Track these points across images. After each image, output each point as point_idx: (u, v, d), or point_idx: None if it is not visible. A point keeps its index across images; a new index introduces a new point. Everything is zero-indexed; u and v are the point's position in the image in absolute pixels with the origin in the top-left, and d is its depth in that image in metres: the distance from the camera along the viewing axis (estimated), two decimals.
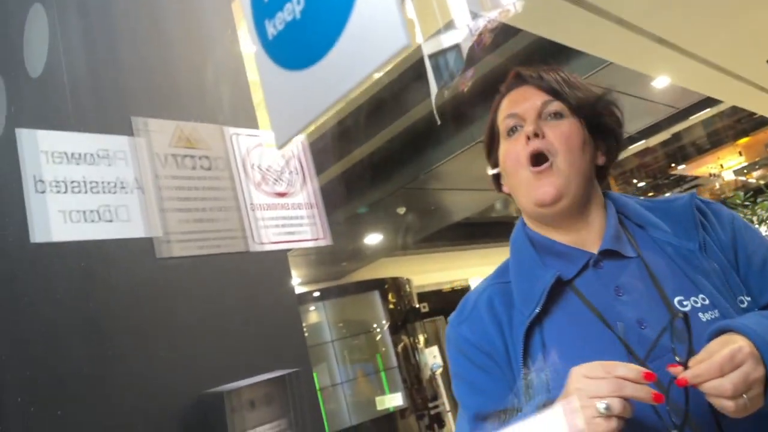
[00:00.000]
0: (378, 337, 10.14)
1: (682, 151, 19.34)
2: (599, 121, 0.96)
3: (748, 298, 0.78)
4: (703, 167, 19.66)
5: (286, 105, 0.62)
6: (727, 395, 0.65)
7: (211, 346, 1.28)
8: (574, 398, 0.64)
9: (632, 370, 0.66)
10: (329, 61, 0.56)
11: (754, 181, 18.43)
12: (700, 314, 0.76)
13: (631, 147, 18.67)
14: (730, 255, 0.83)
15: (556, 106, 0.95)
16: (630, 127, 10.24)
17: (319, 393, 8.83)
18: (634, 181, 20.87)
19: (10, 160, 1.05)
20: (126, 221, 1.16)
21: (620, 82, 7.66)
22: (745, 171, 19.02)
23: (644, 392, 0.65)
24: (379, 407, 9.06)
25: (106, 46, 1.32)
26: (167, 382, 1.19)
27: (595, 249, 0.90)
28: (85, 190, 1.14)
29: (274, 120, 0.66)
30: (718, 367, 0.65)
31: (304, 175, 1.52)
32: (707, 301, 0.77)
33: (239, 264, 1.35)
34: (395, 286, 10.87)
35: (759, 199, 14.37)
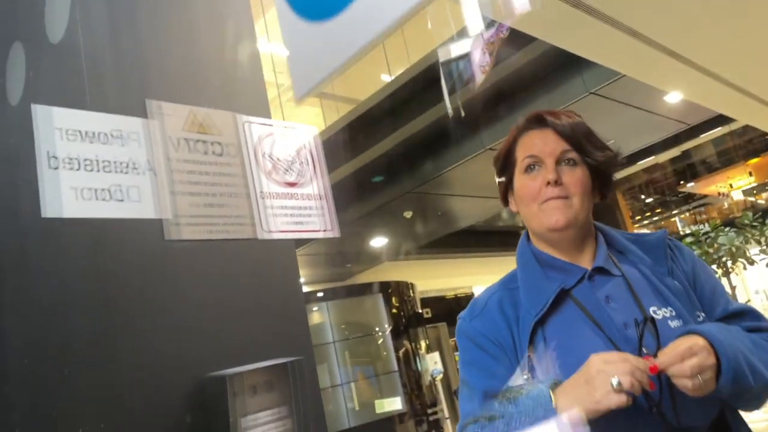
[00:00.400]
0: (380, 341, 10.12)
1: (691, 168, 19.27)
2: (602, 170, 1.15)
3: (703, 314, 1.04)
4: (711, 186, 19.57)
5: (307, 56, 0.62)
6: (686, 376, 0.86)
7: (216, 330, 1.28)
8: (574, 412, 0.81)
9: (642, 362, 0.86)
10: (351, 12, 0.56)
11: (763, 202, 18.32)
12: (669, 322, 1.00)
13: (640, 162, 18.64)
14: (690, 280, 1.09)
15: (573, 154, 1.11)
16: (639, 142, 10.21)
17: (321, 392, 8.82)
18: (642, 196, 20.80)
19: (27, 135, 1.06)
20: (137, 201, 1.17)
21: (632, 94, 7.65)
22: (755, 192, 18.92)
23: (646, 379, 0.85)
24: (378, 411, 9.04)
25: (126, 28, 1.34)
26: (171, 363, 1.19)
27: (588, 266, 1.11)
28: (97, 168, 1.15)
29: (295, 71, 0.66)
30: (680, 355, 0.87)
31: (314, 166, 1.53)
32: (674, 313, 1.01)
33: (247, 251, 1.36)
34: (399, 290, 10.86)
35: None
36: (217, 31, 1.53)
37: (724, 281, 14.01)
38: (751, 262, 13.69)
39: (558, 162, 1.10)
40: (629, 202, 20.05)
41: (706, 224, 15.24)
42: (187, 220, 1.27)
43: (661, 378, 0.90)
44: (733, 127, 16.85)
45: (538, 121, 1.16)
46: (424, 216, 11.48)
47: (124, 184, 1.18)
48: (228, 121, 1.43)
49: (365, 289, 10.79)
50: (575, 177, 1.09)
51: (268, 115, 1.54)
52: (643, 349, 0.92)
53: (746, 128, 16.54)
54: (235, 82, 1.50)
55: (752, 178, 18.55)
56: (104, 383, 1.13)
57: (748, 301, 14.54)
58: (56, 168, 1.11)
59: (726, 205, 19.50)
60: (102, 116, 1.21)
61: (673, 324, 0.99)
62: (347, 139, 9.11)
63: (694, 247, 13.94)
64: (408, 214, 11.23)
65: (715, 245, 13.70)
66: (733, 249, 13.52)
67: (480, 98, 8.04)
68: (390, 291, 10.66)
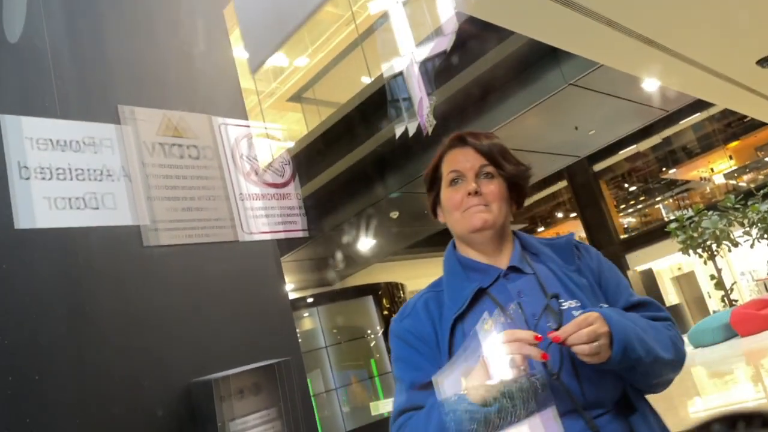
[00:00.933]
0: (372, 343, 10.10)
1: (672, 155, 19.47)
2: (516, 182, 1.28)
3: (607, 305, 1.16)
4: (693, 171, 19.78)
5: (258, 25, 0.61)
6: (582, 341, 0.97)
7: (200, 335, 1.26)
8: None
9: (528, 333, 0.99)
10: None
11: (744, 184, 18.56)
12: (574, 312, 1.11)
13: (621, 152, 18.80)
14: (596, 276, 1.24)
15: (490, 168, 1.24)
16: (620, 130, 10.30)
17: (313, 399, 8.78)
18: (626, 185, 20.97)
19: None
20: (112, 209, 1.15)
21: (610, 84, 7.71)
22: (736, 174, 19.16)
23: (535, 351, 0.96)
24: (374, 413, 9.02)
25: (96, 34, 1.31)
26: (156, 369, 1.17)
27: (504, 267, 1.23)
28: (70, 177, 1.13)
29: (248, 42, 0.65)
30: (577, 325, 0.99)
31: (291, 166, 1.51)
32: (579, 304, 1.12)
33: (228, 253, 1.34)
34: (389, 291, 10.85)
35: (750, 202, 14.47)
36: (190, 35, 1.52)
37: (709, 264, 14.14)
38: (735, 244, 13.84)
39: (477, 175, 1.24)
40: (613, 192, 20.20)
41: (690, 209, 15.40)
42: (166, 225, 1.25)
43: (562, 351, 1.03)
44: (711, 112, 17.05)
45: (460, 141, 1.30)
46: (410, 216, 11.49)
47: (98, 192, 1.16)
48: (203, 123, 1.42)
49: (355, 292, 10.77)
50: (492, 188, 1.22)
51: (244, 117, 1.53)
52: (548, 325, 1.05)
53: (725, 112, 16.75)
54: (209, 85, 1.48)
55: (732, 162, 18.78)
56: (87, 392, 1.11)
57: (734, 282, 14.70)
58: (28, 178, 1.09)
59: (708, 189, 19.72)
60: (73, 124, 1.19)
61: (577, 313, 1.08)
62: (329, 143, 9.09)
63: (679, 232, 14.07)
64: (394, 215, 11.23)
65: (699, 229, 13.83)
66: (717, 232, 13.65)
67: (461, 95, 8.06)
68: (380, 293, 10.65)
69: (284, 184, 1.47)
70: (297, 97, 11.53)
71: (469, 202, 1.21)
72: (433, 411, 1.02)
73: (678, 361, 1.13)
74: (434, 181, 1.34)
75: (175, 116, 1.31)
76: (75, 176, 1.13)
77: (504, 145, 1.29)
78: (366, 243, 12.21)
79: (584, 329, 0.98)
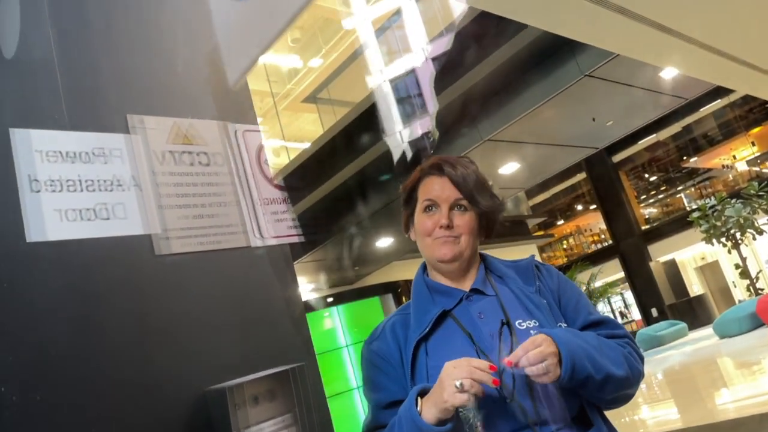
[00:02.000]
0: None
1: (693, 143, 19.14)
2: (488, 215, 1.34)
3: (565, 324, 1.22)
4: (715, 159, 19.43)
5: (235, 38, 0.60)
6: (531, 363, 1.03)
7: (215, 343, 1.26)
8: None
9: (482, 363, 1.04)
10: None
11: None
12: (531, 331, 1.16)
13: (641, 141, 18.51)
14: (555, 297, 1.28)
15: (464, 201, 1.29)
16: (639, 120, 10.13)
17: (333, 399, 8.80)
18: (646, 175, 20.68)
19: (5, 160, 1.04)
20: (123, 219, 1.15)
21: (627, 73, 7.59)
22: (759, 161, 18.77)
23: (487, 377, 1.02)
24: None
25: (103, 43, 1.32)
26: (170, 378, 1.17)
27: (468, 289, 1.30)
28: (81, 188, 1.13)
29: (225, 57, 0.64)
30: (524, 348, 1.04)
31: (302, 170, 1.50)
32: (537, 324, 1.18)
33: (240, 259, 1.33)
34: (408, 288, 10.83)
35: None
36: (198, 42, 1.51)
37: (734, 253, 13.88)
38: (760, 232, 13.55)
39: (451, 207, 1.29)
40: (633, 182, 19.92)
41: (712, 198, 15.12)
42: (177, 233, 1.25)
43: (514, 373, 1.08)
44: (732, 98, 16.72)
45: (438, 170, 1.34)
46: None
47: (109, 202, 1.16)
48: (213, 130, 1.41)
49: (375, 290, 10.77)
50: (464, 220, 1.28)
51: (254, 122, 1.53)
52: (503, 352, 1.12)
53: (746, 98, 16.41)
54: (218, 91, 1.48)
55: (755, 148, 18.39)
56: (101, 403, 1.11)
57: (760, 271, 14.40)
58: (38, 191, 1.09)
59: (731, 176, 19.33)
60: (83, 135, 1.19)
61: (535, 333, 1.13)
62: (345, 142, 9.09)
63: (701, 222, 13.83)
64: None
65: (723, 218, 13.58)
66: (741, 220, 13.38)
67: (476, 89, 8.00)
68: (399, 291, 10.64)
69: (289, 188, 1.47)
70: (312, 98, 11.56)
71: (439, 233, 1.27)
72: (393, 428, 1.11)
73: (633, 377, 1.18)
74: (409, 202, 1.40)
75: (185, 123, 1.31)
76: (85, 187, 1.13)
77: (481, 177, 1.36)
78: (384, 241, 12.20)
79: (531, 351, 1.04)
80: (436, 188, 1.31)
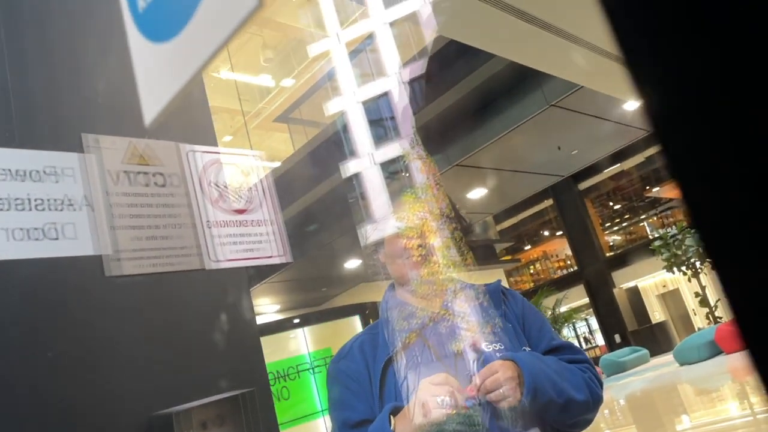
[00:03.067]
0: None
1: (656, 174, 19.68)
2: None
3: (529, 348, 1.25)
4: (677, 189, 19.99)
5: (154, 79, 0.61)
6: (488, 390, 1.06)
7: (164, 367, 1.24)
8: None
9: (455, 381, 1.06)
10: (189, 31, 0.55)
11: None
12: (497, 354, 1.17)
13: (606, 171, 18.98)
14: (519, 321, 1.32)
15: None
16: (603, 150, 10.41)
17: (299, 421, 8.65)
18: (610, 203, 21.14)
19: None
20: (73, 239, 1.13)
21: (592, 104, 7.81)
22: None
23: (461, 399, 1.05)
24: None
25: (57, 64, 1.31)
26: (115, 403, 1.15)
27: (437, 309, 1.30)
28: (29, 207, 1.11)
29: (144, 96, 0.65)
30: (482, 376, 1.08)
31: (264, 191, 1.50)
32: (502, 347, 1.20)
33: (194, 282, 1.32)
34: (376, 311, 10.77)
35: None
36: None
37: (693, 282, 14.23)
38: None
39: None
40: (598, 210, 20.33)
41: (674, 227, 15.52)
42: (129, 255, 1.23)
43: (480, 401, 1.09)
44: None
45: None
46: None
47: (59, 222, 1.14)
48: (170, 151, 1.41)
49: (342, 312, 10.69)
50: (434, 241, 1.29)
51: (214, 143, 1.52)
52: (474, 376, 1.12)
53: None
54: (177, 111, 1.47)
55: None
56: (44, 428, 1.08)
57: (719, 299, 14.77)
58: None
59: None
60: (34, 153, 1.17)
61: (500, 356, 1.17)
62: (317, 162, 9.10)
63: (663, 250, 14.17)
64: None
65: (683, 247, 13.95)
66: (701, 249, 13.76)
67: (445, 115, 8.12)
68: (367, 312, 10.58)
69: (254, 210, 1.46)
70: (284, 118, 11.56)
71: (409, 253, 1.29)
72: None
73: (593, 402, 1.21)
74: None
75: (141, 144, 1.30)
76: (34, 206, 1.11)
77: (449, 199, 1.38)
78: (353, 262, 12.17)
79: (487, 379, 1.06)
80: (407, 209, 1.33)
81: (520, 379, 1.09)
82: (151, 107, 0.67)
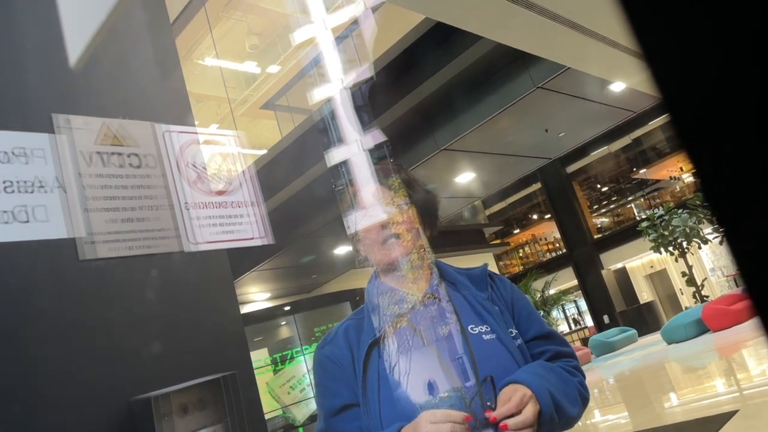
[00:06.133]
0: None
1: (643, 155, 19.79)
2: (426, 208, 1.35)
3: (516, 331, 1.27)
4: (663, 171, 20.13)
5: (76, 11, 0.58)
6: (526, 426, 1.03)
7: (143, 352, 1.21)
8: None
9: (460, 416, 1.03)
10: None
11: None
12: (483, 336, 1.21)
13: (593, 153, 19.04)
14: (509, 306, 1.33)
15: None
16: (590, 132, 10.42)
17: (288, 409, 8.67)
18: (598, 186, 21.25)
19: None
20: (44, 222, 1.10)
21: (578, 86, 7.79)
22: None
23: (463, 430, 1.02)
24: None
25: (25, 41, 1.26)
26: (94, 388, 1.12)
27: (422, 293, 1.30)
28: None
29: (67, 31, 0.62)
30: (515, 406, 1.04)
31: (243, 173, 1.47)
32: (489, 329, 1.21)
33: (173, 265, 1.29)
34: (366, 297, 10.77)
35: None
36: (132, 40, 1.47)
37: (680, 262, 14.37)
38: (705, 241, 14.07)
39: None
40: (586, 193, 20.42)
41: (660, 208, 15.64)
42: (104, 238, 1.20)
43: (477, 378, 1.10)
44: None
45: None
46: None
47: (29, 204, 1.11)
48: (146, 131, 1.37)
49: (332, 298, 10.69)
50: (403, 218, 1.30)
51: (192, 124, 1.48)
52: (488, 403, 1.10)
53: None
54: (153, 92, 1.43)
55: None
56: (20, 415, 1.05)
57: (705, 279, 14.92)
58: None
59: (678, 188, 20.06)
60: (2, 134, 1.13)
61: (487, 337, 1.19)
62: (304, 148, 9.04)
63: (650, 231, 14.28)
64: None
65: (670, 227, 14.06)
66: (687, 230, 13.87)
67: (432, 99, 8.07)
68: (357, 299, 10.58)
69: (234, 191, 1.43)
70: (270, 105, 11.46)
71: (383, 234, 1.29)
72: None
73: (582, 411, 1.22)
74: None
75: (115, 124, 1.26)
76: (3, 189, 1.08)
77: (411, 175, 1.39)
78: (342, 249, 12.15)
79: (524, 412, 1.04)
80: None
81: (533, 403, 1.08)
82: (76, 43, 0.63)
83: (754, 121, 0.28)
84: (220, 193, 1.37)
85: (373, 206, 1.33)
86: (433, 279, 1.34)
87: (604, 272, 18.17)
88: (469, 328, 1.22)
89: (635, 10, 0.32)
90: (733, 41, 0.28)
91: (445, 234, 14.33)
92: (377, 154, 1.42)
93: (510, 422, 1.05)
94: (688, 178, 19.99)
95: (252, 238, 1.34)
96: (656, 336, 13.59)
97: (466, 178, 10.39)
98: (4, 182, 1.06)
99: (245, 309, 12.72)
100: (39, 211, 1.07)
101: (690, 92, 0.31)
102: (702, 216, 14.21)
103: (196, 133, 1.39)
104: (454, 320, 1.24)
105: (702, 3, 0.29)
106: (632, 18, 0.32)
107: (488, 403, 1.11)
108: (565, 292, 18.27)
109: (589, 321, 19.88)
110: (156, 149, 1.28)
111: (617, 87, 8.01)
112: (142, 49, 1.43)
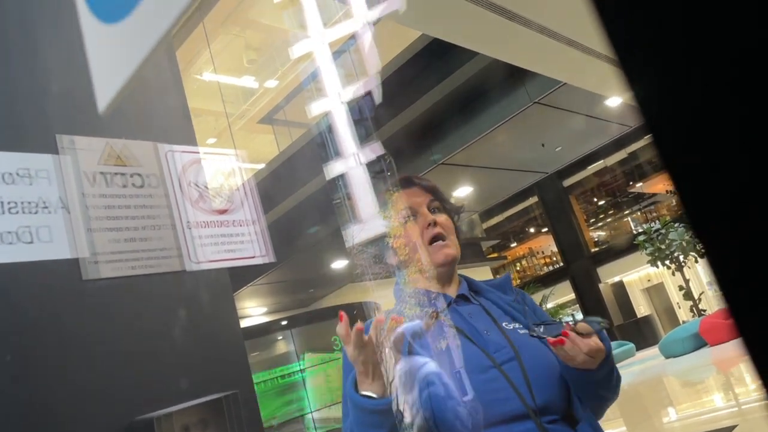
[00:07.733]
0: None
1: (639, 169, 19.87)
2: (454, 219, 1.38)
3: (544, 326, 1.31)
4: (659, 184, 20.21)
5: (105, 61, 0.59)
6: (596, 347, 1.05)
7: (145, 371, 1.21)
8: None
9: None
10: (140, 12, 0.53)
11: None
12: (519, 330, 1.24)
13: (590, 167, 19.12)
14: (530, 310, 1.37)
15: (436, 203, 1.35)
16: (587, 146, 10.48)
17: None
18: (595, 199, 21.31)
19: None
20: (48, 242, 1.11)
21: (575, 101, 7.85)
22: None
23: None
24: None
25: (30, 64, 1.28)
26: (96, 408, 1.12)
27: (454, 295, 1.34)
28: (2, 210, 1.08)
29: (96, 80, 0.63)
30: (584, 329, 1.07)
31: (245, 191, 1.48)
32: (520, 325, 1.25)
33: (175, 284, 1.30)
34: (364, 311, 10.76)
35: None
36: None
37: (677, 275, 14.37)
38: (702, 255, 14.09)
39: (429, 209, 1.33)
40: (583, 206, 20.47)
41: (657, 222, 15.68)
42: (107, 257, 1.21)
43: (522, 365, 1.13)
44: None
45: (405, 182, 1.39)
46: None
47: (33, 225, 1.12)
48: (148, 151, 1.38)
49: (329, 313, 10.66)
50: (443, 219, 1.32)
51: (193, 143, 1.50)
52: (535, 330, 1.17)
53: None
54: (155, 112, 1.45)
55: None
56: None
57: (702, 292, 14.94)
58: None
59: (674, 201, 20.13)
60: (6, 155, 1.14)
61: (522, 332, 1.22)
62: (302, 163, 9.06)
63: (647, 245, 14.30)
64: None
65: (667, 241, 14.08)
66: (684, 243, 13.91)
67: (430, 114, 8.12)
68: (355, 313, 10.54)
69: (235, 209, 1.44)
70: (268, 119, 11.50)
71: (429, 233, 1.29)
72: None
73: (615, 398, 1.24)
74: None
75: (119, 144, 1.27)
76: (7, 210, 1.09)
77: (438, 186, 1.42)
78: (339, 263, 12.14)
79: (590, 343, 1.05)
80: (410, 197, 1.35)
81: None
82: (104, 91, 0.65)
83: (733, 143, 0.29)
84: (222, 212, 1.38)
85: (413, 206, 1.34)
86: (463, 283, 1.39)
87: (601, 286, 18.17)
88: (503, 324, 1.26)
89: (615, 33, 0.34)
90: (711, 63, 0.30)
91: None
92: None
93: (579, 340, 1.05)
94: None
95: (253, 257, 1.34)
96: (654, 350, 13.56)
97: (462, 192, 10.42)
98: (9, 203, 1.07)
99: (242, 324, 12.66)
100: (43, 232, 1.08)
101: (669, 114, 0.33)
102: None
103: (198, 152, 1.41)
104: (488, 318, 1.27)
105: (680, 25, 0.30)
106: (613, 42, 0.34)
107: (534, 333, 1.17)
108: (563, 306, 18.24)
109: None
110: (159, 169, 1.29)
111: (613, 102, 8.06)
112: (145, 71, 1.44)
